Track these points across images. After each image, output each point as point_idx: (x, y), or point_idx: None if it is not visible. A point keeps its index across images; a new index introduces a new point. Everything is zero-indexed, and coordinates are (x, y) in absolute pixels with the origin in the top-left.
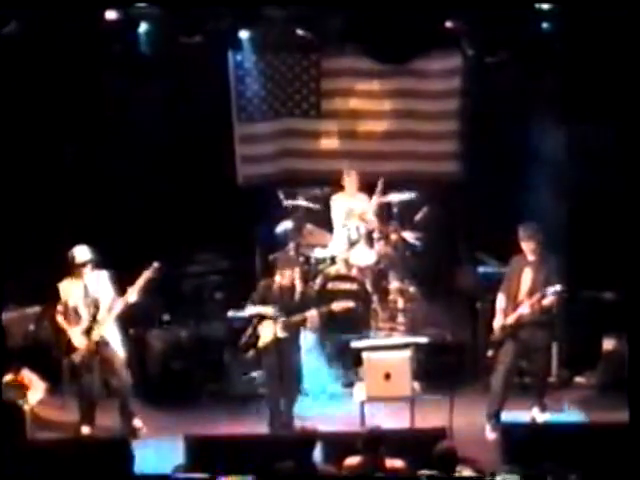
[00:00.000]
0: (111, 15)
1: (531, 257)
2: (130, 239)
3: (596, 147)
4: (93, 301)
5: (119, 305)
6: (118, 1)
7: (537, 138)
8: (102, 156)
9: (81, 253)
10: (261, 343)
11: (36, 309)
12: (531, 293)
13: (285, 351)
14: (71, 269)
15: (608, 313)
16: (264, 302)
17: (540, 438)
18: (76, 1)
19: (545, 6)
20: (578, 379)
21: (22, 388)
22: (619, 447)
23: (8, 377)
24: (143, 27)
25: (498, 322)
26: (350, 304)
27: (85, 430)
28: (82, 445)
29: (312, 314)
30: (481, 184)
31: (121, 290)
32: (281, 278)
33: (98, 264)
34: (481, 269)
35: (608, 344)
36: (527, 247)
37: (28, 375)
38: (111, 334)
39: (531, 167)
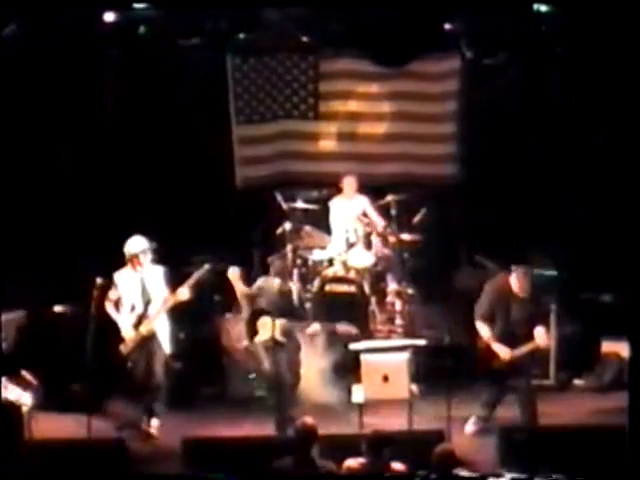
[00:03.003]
0: (109, 17)
1: (520, 293)
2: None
3: (596, 149)
4: (147, 295)
5: (170, 302)
6: (116, 3)
7: (536, 140)
8: (98, 158)
9: (138, 243)
10: (257, 341)
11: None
12: (523, 327)
13: (284, 353)
14: (128, 259)
15: (606, 315)
16: (259, 306)
17: (538, 441)
18: (74, 3)
19: (544, 7)
20: (577, 382)
21: (20, 389)
22: (617, 450)
23: (6, 378)
24: (141, 29)
25: (504, 353)
26: (353, 330)
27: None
28: (80, 446)
29: (315, 328)
30: (479, 186)
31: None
32: (279, 283)
33: (156, 259)
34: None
35: (606, 346)
36: (519, 285)
37: (26, 376)
38: (159, 331)
39: (530, 168)
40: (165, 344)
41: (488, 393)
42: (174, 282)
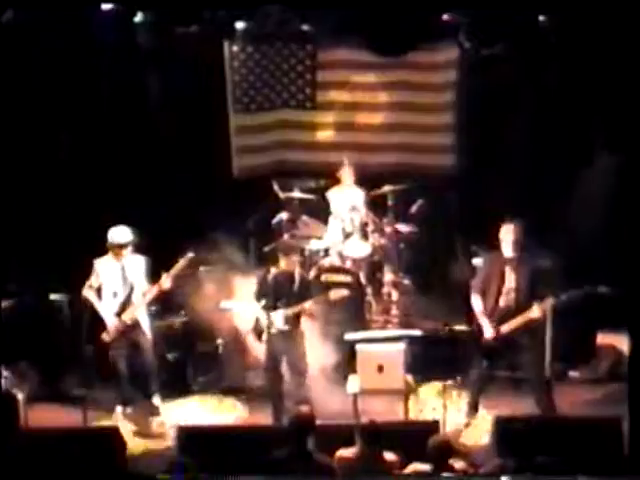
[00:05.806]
0: (107, 5)
1: (509, 255)
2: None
3: (593, 140)
4: (129, 283)
5: (153, 291)
6: None
7: (534, 131)
8: (93, 145)
9: (121, 234)
10: (265, 335)
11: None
12: (516, 294)
13: (288, 342)
14: (110, 249)
15: (602, 307)
16: (263, 294)
17: (534, 431)
18: None
19: None
20: (572, 373)
21: (16, 378)
22: (611, 441)
23: (2, 367)
24: (139, 17)
25: (489, 328)
26: (345, 292)
27: (119, 410)
28: (76, 435)
29: (310, 304)
30: (477, 177)
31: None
32: (285, 265)
33: (138, 248)
34: None
35: (602, 338)
36: (508, 245)
37: (22, 365)
38: (142, 318)
39: (527, 160)
40: (147, 330)
41: (473, 376)
42: (156, 272)
